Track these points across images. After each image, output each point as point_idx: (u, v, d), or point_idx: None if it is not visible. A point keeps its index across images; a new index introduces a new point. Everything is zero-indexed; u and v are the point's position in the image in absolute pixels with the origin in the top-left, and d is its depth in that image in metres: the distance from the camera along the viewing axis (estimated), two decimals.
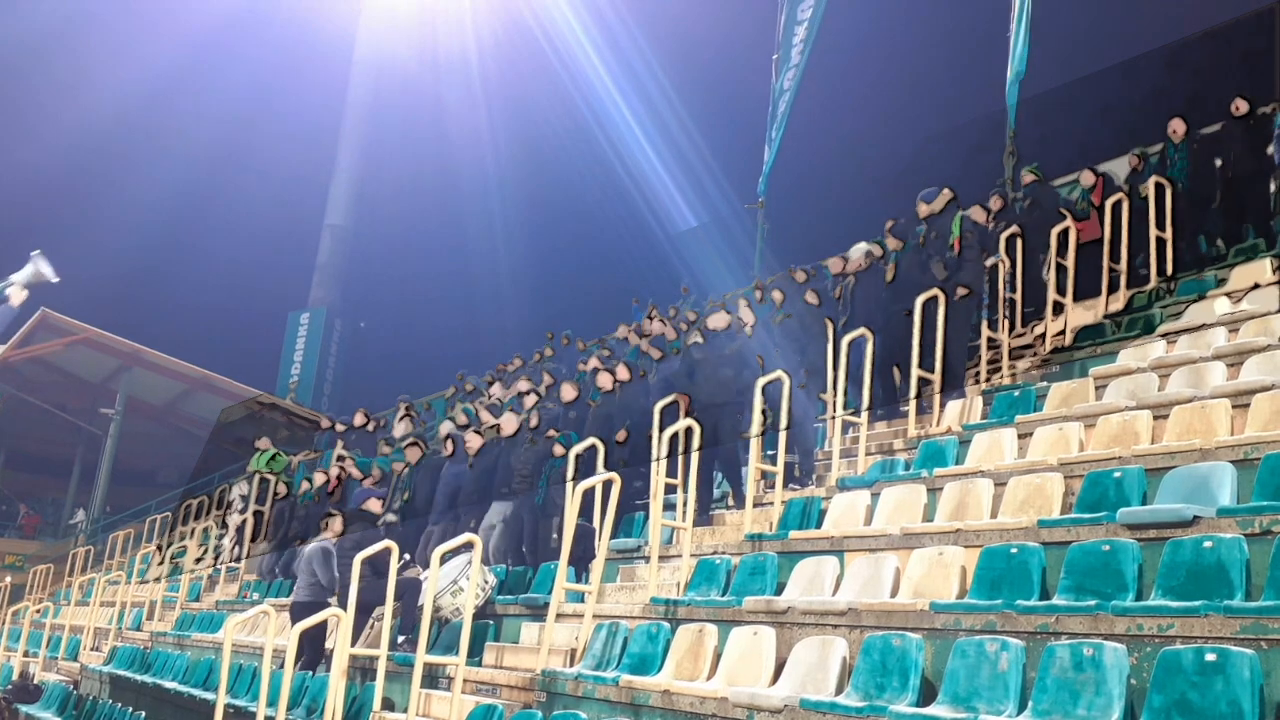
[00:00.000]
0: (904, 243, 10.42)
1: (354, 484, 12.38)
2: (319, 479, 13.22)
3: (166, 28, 41.40)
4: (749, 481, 8.30)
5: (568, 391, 10.96)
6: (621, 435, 9.70)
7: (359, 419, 15.62)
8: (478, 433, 10.62)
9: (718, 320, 10.43)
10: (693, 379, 9.50)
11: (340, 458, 13.84)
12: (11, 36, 38.80)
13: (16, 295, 6.57)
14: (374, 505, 10.00)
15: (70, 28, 40.83)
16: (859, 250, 10.47)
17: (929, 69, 29.24)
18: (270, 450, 15.98)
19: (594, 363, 12.58)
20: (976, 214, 10.63)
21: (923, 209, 10.29)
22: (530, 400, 11.56)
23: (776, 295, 10.68)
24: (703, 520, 8.88)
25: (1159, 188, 10.03)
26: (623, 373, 10.52)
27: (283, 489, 14.41)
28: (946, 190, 10.54)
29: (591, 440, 8.97)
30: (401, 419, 14.96)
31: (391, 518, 10.53)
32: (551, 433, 9.93)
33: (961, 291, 9.31)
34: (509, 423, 10.44)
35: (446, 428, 11.81)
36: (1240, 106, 10.12)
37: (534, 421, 10.25)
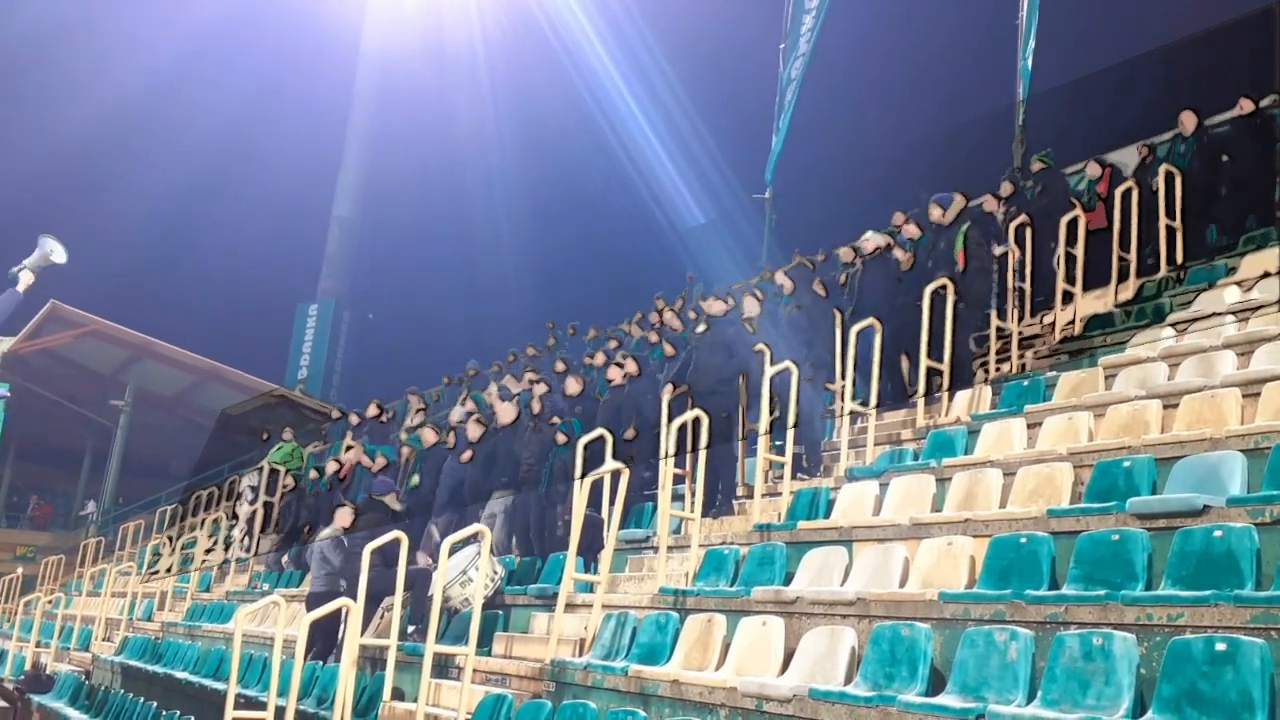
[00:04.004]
0: (924, 232, 10.34)
1: (364, 473, 12.41)
2: (331, 466, 13.24)
3: (173, 21, 41.43)
4: (757, 471, 8.29)
5: (572, 385, 10.96)
6: (630, 434, 9.68)
7: (372, 410, 15.68)
8: (481, 421, 10.61)
9: (715, 306, 10.44)
10: (692, 367, 9.49)
11: (349, 447, 13.88)
12: (21, 28, 38.88)
13: (25, 280, 6.53)
14: (392, 500, 10.00)
15: (79, 21, 40.91)
16: (870, 240, 10.44)
17: (937, 59, 29.12)
18: (292, 444, 16.01)
19: (601, 358, 12.59)
20: (989, 204, 10.55)
21: (935, 213, 10.19)
22: (540, 389, 11.58)
23: (786, 284, 10.62)
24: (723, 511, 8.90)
25: (1169, 176, 9.99)
26: (631, 367, 10.51)
27: (291, 481, 14.45)
28: (958, 198, 10.44)
29: (600, 431, 8.97)
30: (417, 412, 15.01)
31: (397, 506, 10.54)
32: (555, 420, 9.93)
33: (963, 300, 9.26)
34: (506, 412, 10.45)
35: (457, 414, 11.82)
36: (1245, 105, 10.09)
37: (537, 409, 10.25)
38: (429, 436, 11.46)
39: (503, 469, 9.97)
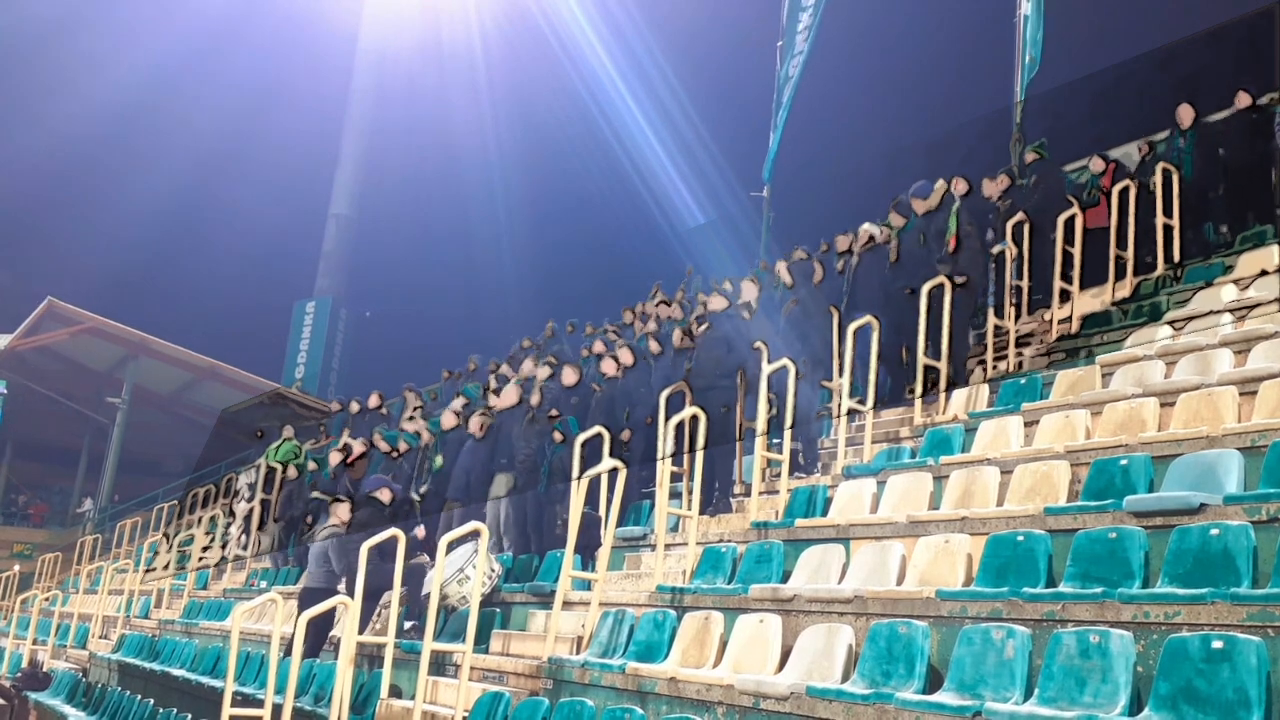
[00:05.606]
0: (907, 219, 10.35)
1: (377, 463, 12.36)
2: (335, 456, 13.16)
3: (171, 18, 41.40)
4: (755, 469, 8.28)
5: (569, 375, 10.93)
6: (626, 435, 9.64)
7: (374, 400, 15.68)
8: (483, 413, 10.60)
9: (716, 301, 10.41)
10: (692, 364, 9.48)
11: (346, 444, 13.82)
12: (19, 24, 38.83)
13: None
14: (385, 495, 9.99)
15: (76, 17, 40.87)
16: (865, 231, 10.46)
17: (935, 58, 29.13)
18: (292, 441, 15.99)
19: (599, 347, 12.56)
20: (986, 187, 10.55)
21: (919, 205, 10.19)
22: (544, 373, 11.54)
23: (785, 277, 10.61)
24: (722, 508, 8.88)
25: (1166, 174, 10.00)
26: (626, 357, 10.48)
27: (294, 472, 14.43)
28: (941, 183, 10.46)
29: (597, 429, 8.96)
30: (414, 409, 14.98)
31: (411, 494, 10.52)
32: (553, 413, 9.92)
33: (960, 280, 9.25)
34: (510, 394, 10.45)
35: (457, 405, 11.80)
36: (1243, 99, 10.09)
37: (536, 400, 10.24)
38: (448, 419, 11.47)
39: (504, 452, 9.98)
